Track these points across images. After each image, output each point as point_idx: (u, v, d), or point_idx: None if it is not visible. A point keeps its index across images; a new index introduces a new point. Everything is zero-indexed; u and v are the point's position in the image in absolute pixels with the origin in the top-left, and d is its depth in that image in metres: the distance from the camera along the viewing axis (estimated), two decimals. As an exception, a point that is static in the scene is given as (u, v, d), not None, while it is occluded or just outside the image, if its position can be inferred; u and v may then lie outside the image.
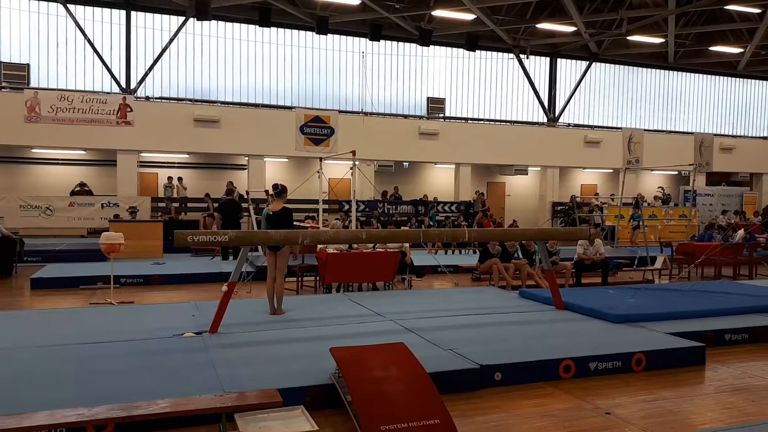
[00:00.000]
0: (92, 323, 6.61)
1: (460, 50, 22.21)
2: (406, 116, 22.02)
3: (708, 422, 4.42)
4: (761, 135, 27.49)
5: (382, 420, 3.89)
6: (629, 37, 22.13)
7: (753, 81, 27.41)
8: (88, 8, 18.66)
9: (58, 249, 13.71)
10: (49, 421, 3.55)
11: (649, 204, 22.78)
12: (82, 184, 18.48)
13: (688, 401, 4.87)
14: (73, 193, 17.96)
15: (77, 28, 18.34)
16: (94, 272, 10.44)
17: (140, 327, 6.35)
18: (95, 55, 18.61)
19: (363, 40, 21.12)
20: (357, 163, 12.17)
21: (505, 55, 23.11)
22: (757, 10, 20.30)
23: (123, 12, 18.92)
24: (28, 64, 18.31)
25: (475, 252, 14.53)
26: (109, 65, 18.77)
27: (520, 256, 10.48)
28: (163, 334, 5.99)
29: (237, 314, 6.73)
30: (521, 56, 22.97)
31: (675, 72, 26.02)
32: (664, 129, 25.88)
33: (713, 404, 4.81)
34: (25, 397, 4.19)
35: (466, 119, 23.00)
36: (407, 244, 10.20)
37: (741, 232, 13.56)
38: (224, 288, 6.13)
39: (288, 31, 20.67)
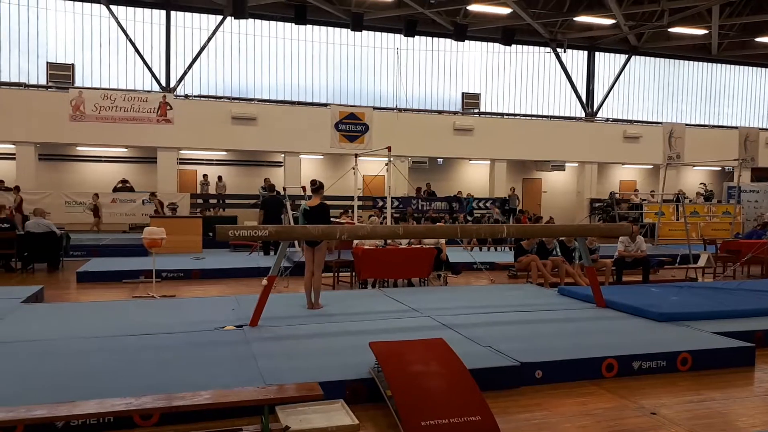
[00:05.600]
0: (136, 316, 6.77)
1: (496, 45, 21.97)
2: (440, 112, 21.91)
3: (759, 425, 4.26)
4: (811, 129, 26.43)
5: (423, 415, 3.87)
6: (670, 29, 21.54)
7: (802, 73, 26.39)
8: (130, 9, 19.13)
9: (102, 244, 14.09)
10: (98, 410, 3.64)
11: (690, 200, 22.17)
12: (124, 181, 18.97)
13: (738, 403, 4.72)
14: (115, 190, 18.44)
15: (119, 29, 18.81)
16: (136, 266, 10.68)
17: (182, 320, 6.47)
18: (136, 54, 19.06)
19: (398, 36, 21.10)
20: (392, 159, 12.17)
21: (542, 49, 22.77)
22: (807, -1, 19.55)
23: (163, 12, 19.32)
24: (72, 65, 18.87)
25: (511, 249, 14.38)
26: (149, 64, 19.20)
27: (559, 252, 10.31)
28: (204, 327, 6.10)
29: (276, 308, 6.80)
30: (558, 50, 22.60)
31: (718, 64, 25.25)
32: (706, 123, 25.14)
33: (764, 407, 4.65)
34: (74, 386, 4.31)
35: (502, 114, 22.76)
36: (443, 241, 10.14)
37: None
38: (264, 282, 6.20)
39: (323, 28, 20.79)
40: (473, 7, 19.70)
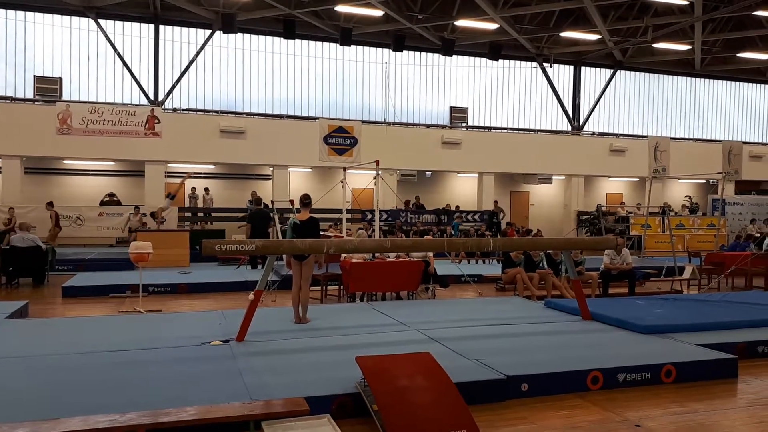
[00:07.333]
0: (122, 331, 6.73)
1: (483, 59, 22.20)
2: (428, 126, 22.05)
3: (742, 436, 4.32)
4: (792, 142, 26.90)
5: (409, 430, 3.89)
6: (654, 45, 21.91)
7: (783, 87, 26.87)
8: (118, 23, 19.13)
9: (88, 258, 13.98)
10: (82, 427, 3.62)
11: (676, 213, 22.42)
12: (111, 195, 18.87)
13: (721, 414, 4.77)
14: (102, 203, 18.32)
15: (107, 42, 18.80)
16: (122, 281, 10.62)
17: (168, 335, 6.44)
18: (124, 68, 19.04)
19: (386, 50, 21.26)
20: (380, 172, 12.21)
21: (529, 63, 23.04)
22: (786, 16, 19.96)
23: (151, 26, 19.34)
24: (60, 78, 18.79)
25: (498, 261, 14.45)
26: (137, 78, 19.18)
27: (546, 265, 10.39)
28: (190, 342, 6.07)
29: (263, 323, 6.79)
30: (545, 65, 22.86)
31: (702, 79, 25.65)
32: (691, 137, 25.49)
33: (747, 418, 4.71)
34: (58, 402, 4.28)
35: (489, 128, 22.94)
36: (431, 254, 10.18)
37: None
38: (251, 296, 6.20)
39: (312, 42, 20.91)
40: (461, 23, 19.92)
